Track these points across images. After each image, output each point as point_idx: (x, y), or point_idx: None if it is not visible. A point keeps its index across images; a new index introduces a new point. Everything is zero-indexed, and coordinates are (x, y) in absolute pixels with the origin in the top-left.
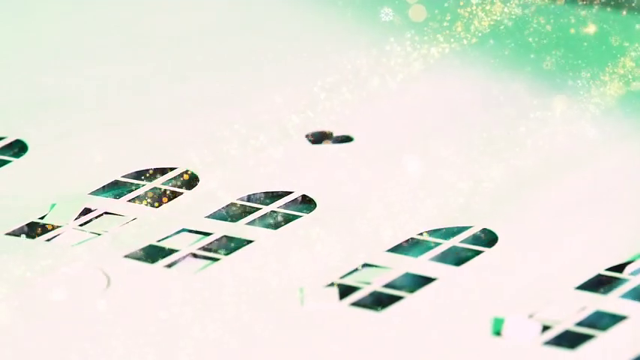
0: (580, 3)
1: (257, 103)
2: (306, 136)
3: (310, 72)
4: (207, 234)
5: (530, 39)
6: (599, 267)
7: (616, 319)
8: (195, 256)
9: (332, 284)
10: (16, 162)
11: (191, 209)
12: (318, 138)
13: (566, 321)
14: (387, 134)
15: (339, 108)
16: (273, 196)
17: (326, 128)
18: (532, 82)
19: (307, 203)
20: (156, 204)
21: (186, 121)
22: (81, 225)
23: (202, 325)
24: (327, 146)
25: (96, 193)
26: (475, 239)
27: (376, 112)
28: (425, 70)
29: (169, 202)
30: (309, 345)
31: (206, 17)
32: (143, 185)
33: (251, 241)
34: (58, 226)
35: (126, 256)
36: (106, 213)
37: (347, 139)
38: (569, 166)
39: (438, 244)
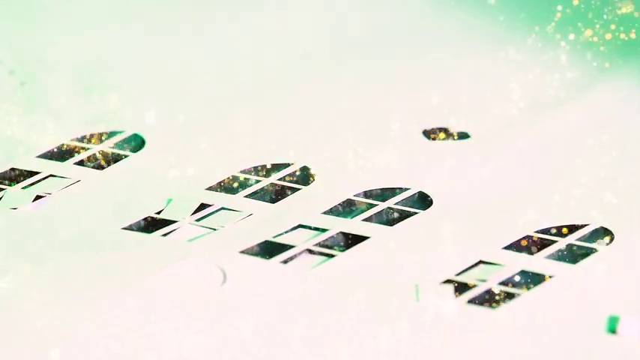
0: None
1: (375, 99)
2: (424, 132)
3: (433, 69)
4: (323, 230)
5: None
6: None
7: None
8: (311, 252)
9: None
10: (133, 156)
11: (308, 205)
12: (436, 134)
13: None
14: (503, 132)
15: (455, 104)
16: (390, 193)
17: (444, 124)
18: None
19: (423, 200)
20: (271, 200)
21: (301, 115)
22: (197, 220)
23: (317, 321)
24: (444, 142)
25: (212, 189)
26: (591, 237)
27: (495, 110)
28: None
29: (286, 198)
30: (424, 341)
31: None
32: (260, 181)
33: (367, 238)
34: (174, 221)
35: (242, 252)
36: (223, 209)
37: (464, 135)
38: None
39: (553, 242)
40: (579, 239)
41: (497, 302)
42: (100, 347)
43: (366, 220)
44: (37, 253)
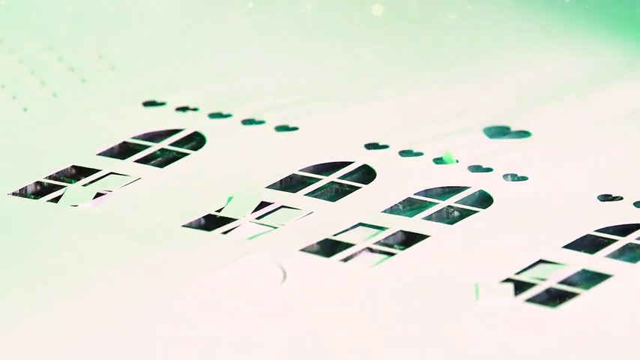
0: None
1: (437, 95)
2: (485, 130)
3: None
4: (383, 228)
5: None
6: None
7: None
8: (371, 250)
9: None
10: (194, 154)
11: (368, 203)
12: (495, 133)
13: None
14: (567, 132)
15: (517, 104)
16: (450, 191)
17: (503, 123)
18: None
19: (484, 198)
20: (331, 198)
21: (363, 113)
22: (257, 219)
23: (376, 320)
24: (503, 141)
25: (273, 186)
26: None
27: (558, 109)
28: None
29: (346, 197)
30: (483, 340)
31: None
32: (320, 179)
33: (427, 236)
34: (235, 219)
35: (302, 250)
36: (283, 207)
37: (525, 133)
38: None
39: (612, 241)
40: (639, 238)
41: (557, 301)
42: (160, 344)
43: (426, 218)
44: (97, 250)
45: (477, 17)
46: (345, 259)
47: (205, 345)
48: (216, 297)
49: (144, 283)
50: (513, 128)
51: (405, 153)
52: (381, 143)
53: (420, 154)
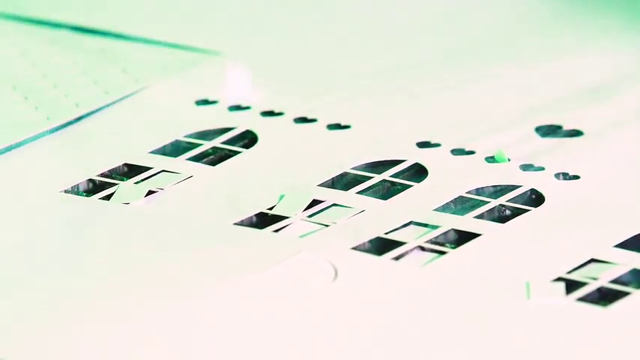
0: None
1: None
2: (536, 129)
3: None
4: (435, 227)
5: None
6: None
7: None
8: (422, 249)
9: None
10: (246, 153)
11: (420, 202)
12: (547, 131)
13: None
14: (620, 130)
15: (570, 102)
16: (501, 190)
17: (556, 122)
18: None
19: (535, 197)
20: (383, 196)
21: (413, 112)
22: (309, 217)
23: (428, 318)
24: (555, 140)
25: (324, 185)
26: None
27: (611, 107)
28: None
29: (399, 195)
30: (534, 339)
31: None
32: (372, 177)
33: (478, 235)
34: (286, 217)
35: (353, 249)
36: (335, 205)
37: (576, 132)
38: None
39: None
40: None
41: (608, 300)
42: (212, 340)
43: (477, 217)
44: (149, 248)
45: (532, 13)
46: (397, 258)
47: (255, 343)
48: (267, 295)
49: (196, 280)
50: (565, 127)
51: (456, 151)
52: (433, 142)
53: (471, 152)
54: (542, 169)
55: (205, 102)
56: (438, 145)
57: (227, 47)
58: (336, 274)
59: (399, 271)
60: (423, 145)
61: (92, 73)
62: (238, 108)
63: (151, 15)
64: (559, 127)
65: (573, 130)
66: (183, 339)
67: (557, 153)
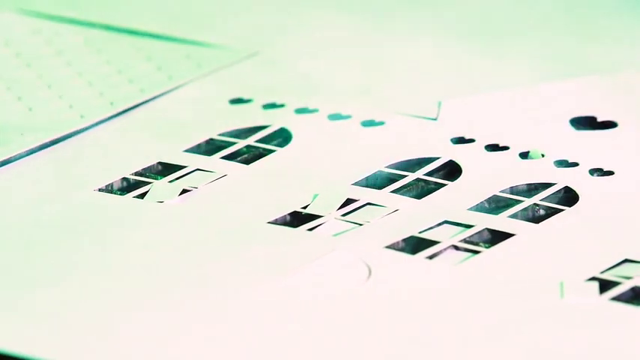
0: None
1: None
2: (571, 121)
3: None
4: (469, 226)
5: None
6: None
7: None
8: (456, 248)
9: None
10: (280, 151)
11: (453, 201)
12: (582, 124)
13: None
14: None
15: (601, 93)
16: (536, 188)
17: (591, 113)
18: None
19: (569, 196)
20: (417, 195)
21: (448, 110)
22: (343, 215)
23: (461, 317)
24: (589, 133)
25: (358, 183)
26: None
27: None
28: None
29: (432, 194)
30: (568, 338)
31: None
32: (406, 176)
33: (512, 235)
34: (320, 216)
35: (387, 247)
36: (369, 204)
37: (611, 124)
38: None
39: None
40: None
41: None
42: (246, 340)
43: (511, 216)
44: (182, 246)
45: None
46: (431, 257)
47: (290, 340)
48: (301, 294)
49: (231, 279)
50: (600, 119)
51: (490, 148)
52: (466, 137)
53: (505, 148)
54: (577, 164)
55: (239, 100)
56: (472, 140)
57: (261, 45)
58: (369, 272)
59: (433, 270)
60: (458, 141)
61: (127, 71)
62: (273, 106)
63: (185, 14)
64: (593, 120)
65: (607, 121)
66: (219, 337)
67: (591, 147)
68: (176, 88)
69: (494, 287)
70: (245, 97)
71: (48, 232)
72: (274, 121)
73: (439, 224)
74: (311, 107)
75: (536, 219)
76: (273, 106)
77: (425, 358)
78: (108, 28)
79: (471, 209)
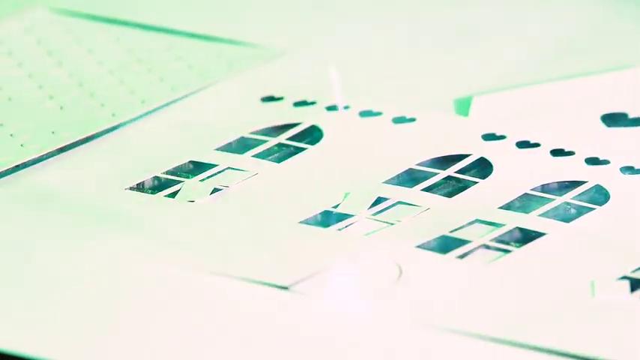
0: None
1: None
2: (602, 117)
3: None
4: (500, 225)
5: None
6: None
7: None
8: (487, 247)
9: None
10: (311, 149)
11: (485, 199)
12: (613, 120)
13: None
14: None
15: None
16: (567, 186)
17: (623, 110)
18: None
19: (601, 194)
20: (448, 193)
21: (480, 109)
22: (374, 214)
23: (492, 315)
24: (620, 130)
25: (389, 182)
26: None
27: None
28: None
29: (463, 192)
30: (598, 336)
31: None
32: (437, 174)
33: (543, 234)
34: (351, 215)
35: (418, 247)
36: (400, 202)
37: None
38: None
39: None
40: None
41: None
42: (279, 339)
43: (542, 215)
44: (213, 245)
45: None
46: (461, 256)
47: (321, 338)
48: (330, 292)
49: (260, 278)
50: (631, 115)
51: (521, 144)
52: (498, 134)
53: (536, 145)
54: (608, 162)
55: (271, 98)
56: (503, 137)
57: (291, 43)
58: (400, 271)
59: (464, 269)
60: (488, 137)
61: (158, 70)
62: (304, 103)
63: (217, 12)
64: (625, 116)
65: (639, 117)
66: (250, 335)
67: (622, 144)
68: (207, 86)
69: (525, 285)
70: (276, 94)
71: (80, 230)
72: (305, 118)
73: (470, 223)
74: (342, 104)
75: (568, 218)
76: (304, 103)
77: (455, 356)
78: (139, 26)
79: (501, 208)
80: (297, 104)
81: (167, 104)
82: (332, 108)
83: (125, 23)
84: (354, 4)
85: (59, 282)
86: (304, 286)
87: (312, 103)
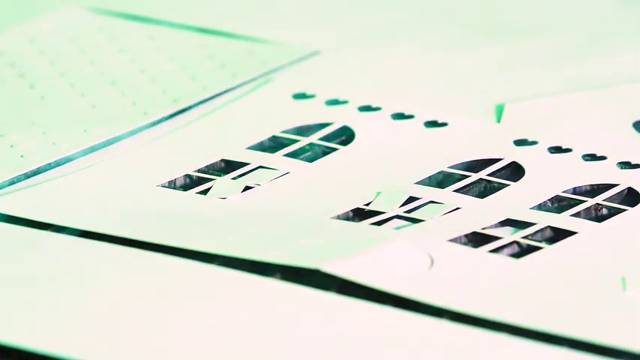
0: None
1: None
2: (634, 124)
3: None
4: (531, 224)
5: None
6: None
7: None
8: (518, 244)
9: None
10: (343, 149)
11: (516, 200)
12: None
13: None
14: None
15: None
16: (599, 189)
17: None
18: None
19: (632, 196)
20: (480, 194)
21: (511, 111)
22: (405, 212)
23: (522, 310)
24: None
25: (421, 182)
26: None
27: None
28: None
29: (495, 194)
30: (629, 330)
31: None
32: (469, 177)
33: (574, 233)
34: (382, 213)
35: (449, 241)
36: (431, 202)
37: None
38: None
39: None
40: None
41: None
42: (305, 333)
43: (574, 215)
44: (243, 242)
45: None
46: (492, 251)
47: (348, 333)
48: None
49: (292, 274)
50: None
51: (554, 150)
52: (529, 139)
53: (568, 150)
54: (639, 166)
55: (303, 96)
56: (535, 142)
57: (324, 42)
58: (432, 262)
59: (494, 263)
60: (520, 142)
61: (190, 68)
62: (336, 102)
63: (249, 11)
64: None
65: None
66: (279, 333)
67: None
68: (239, 85)
69: (555, 280)
70: (308, 92)
71: (111, 227)
72: (337, 118)
73: (501, 222)
74: (374, 105)
75: (599, 218)
76: (336, 102)
77: (484, 350)
78: (171, 25)
79: (533, 208)
80: (329, 102)
81: (199, 103)
82: (364, 108)
83: (157, 22)
84: (391, 4)
85: (93, 277)
86: (334, 281)
87: (344, 102)
